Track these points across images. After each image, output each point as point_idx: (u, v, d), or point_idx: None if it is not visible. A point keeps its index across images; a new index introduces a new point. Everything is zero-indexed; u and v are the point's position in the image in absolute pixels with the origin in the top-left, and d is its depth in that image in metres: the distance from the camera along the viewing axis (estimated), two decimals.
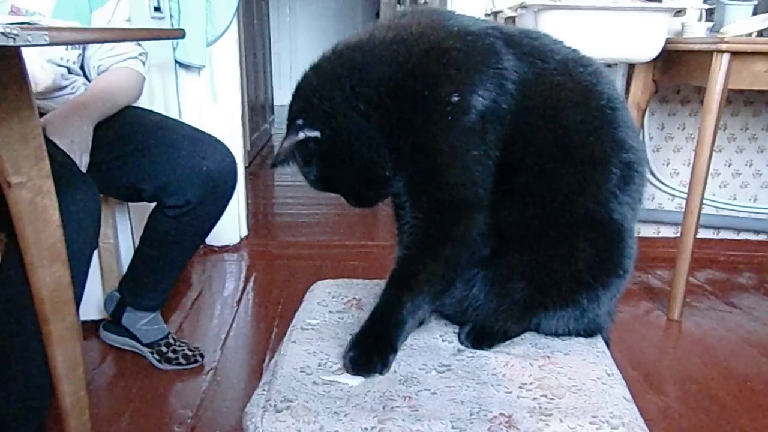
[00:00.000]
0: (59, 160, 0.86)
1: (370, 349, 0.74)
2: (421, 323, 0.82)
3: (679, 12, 1.76)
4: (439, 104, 0.71)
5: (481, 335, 0.80)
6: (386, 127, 0.73)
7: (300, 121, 0.73)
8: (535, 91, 0.74)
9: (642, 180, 0.79)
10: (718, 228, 2.34)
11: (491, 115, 0.72)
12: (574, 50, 0.80)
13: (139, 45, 1.41)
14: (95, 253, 1.50)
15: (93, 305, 1.56)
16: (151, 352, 1.45)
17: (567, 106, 0.74)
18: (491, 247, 0.77)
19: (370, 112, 0.72)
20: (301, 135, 0.72)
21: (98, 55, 1.36)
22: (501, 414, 0.66)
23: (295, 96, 0.77)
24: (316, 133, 0.73)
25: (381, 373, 0.72)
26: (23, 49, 0.76)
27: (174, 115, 2.10)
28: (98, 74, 1.37)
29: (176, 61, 2.07)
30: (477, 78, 0.71)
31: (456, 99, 0.70)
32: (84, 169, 1.17)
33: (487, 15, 2.06)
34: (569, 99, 0.75)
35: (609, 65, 2.04)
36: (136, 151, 1.28)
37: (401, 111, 0.72)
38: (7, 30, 0.57)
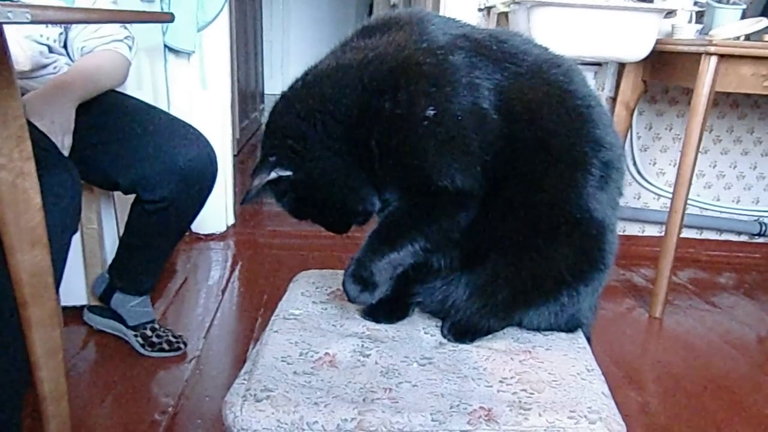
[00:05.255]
0: (38, 142, 0.84)
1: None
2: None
3: (670, 13, 1.77)
4: (415, 121, 0.70)
5: (464, 329, 0.81)
6: (364, 153, 0.73)
7: (272, 159, 0.74)
8: (511, 97, 0.73)
9: (620, 175, 0.79)
10: (701, 228, 2.37)
11: (472, 119, 0.71)
12: (545, 49, 0.80)
13: (126, 28, 1.38)
14: (78, 239, 1.49)
15: (75, 291, 1.55)
16: (135, 336, 1.44)
17: (543, 109, 0.74)
18: (473, 249, 0.78)
19: (342, 147, 0.73)
20: (273, 174, 0.73)
21: (82, 36, 1.33)
22: (481, 407, 0.66)
23: (268, 130, 0.77)
24: (288, 173, 0.73)
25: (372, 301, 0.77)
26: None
27: (162, 100, 2.07)
28: (82, 56, 1.34)
29: (165, 46, 2.04)
30: (450, 90, 0.71)
31: (432, 112, 0.70)
32: (66, 152, 1.15)
33: (480, 10, 2.06)
34: (545, 102, 0.74)
35: (599, 64, 2.05)
36: (112, 141, 1.25)
37: (379, 133, 0.72)
38: None
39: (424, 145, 0.71)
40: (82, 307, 1.55)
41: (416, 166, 0.72)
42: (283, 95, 0.77)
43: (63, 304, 1.45)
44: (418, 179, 0.73)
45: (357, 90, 0.72)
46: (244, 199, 0.76)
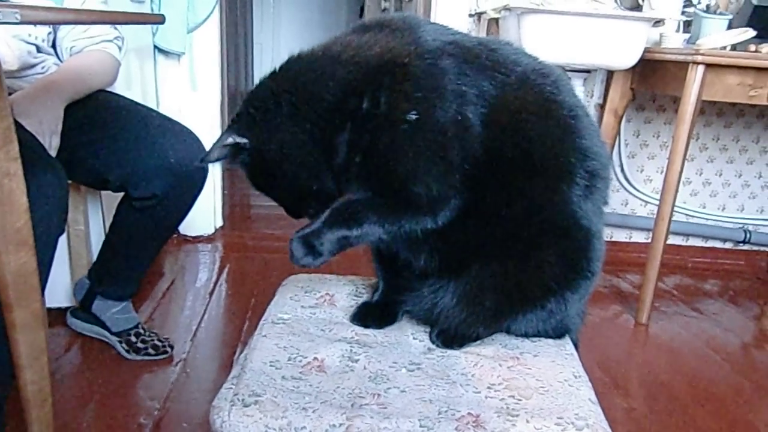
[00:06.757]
0: (25, 143, 0.83)
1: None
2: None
3: (658, 22, 1.80)
4: (395, 123, 0.70)
5: (452, 337, 0.81)
6: (333, 144, 0.73)
7: (235, 125, 0.75)
8: (498, 106, 0.73)
9: (606, 184, 0.80)
10: (687, 235, 2.39)
11: (455, 127, 0.71)
12: (535, 59, 0.80)
13: (115, 29, 1.37)
14: (64, 240, 1.47)
15: (61, 292, 1.53)
16: (120, 342, 1.42)
17: (530, 119, 0.74)
18: (459, 257, 0.78)
19: (306, 130, 0.73)
20: (230, 140, 0.74)
21: (71, 36, 1.31)
22: (469, 413, 0.66)
23: (244, 100, 0.78)
24: (244, 141, 0.74)
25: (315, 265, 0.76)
26: None
27: (152, 101, 2.06)
28: (71, 56, 1.32)
29: (155, 47, 2.03)
30: (436, 96, 0.71)
31: (414, 117, 0.70)
32: (54, 152, 1.14)
33: (471, 16, 2.07)
34: (531, 112, 0.75)
35: (588, 71, 2.07)
36: (103, 138, 1.24)
37: (353, 129, 0.72)
38: None
39: (402, 149, 0.70)
40: (67, 308, 1.53)
41: (391, 169, 0.72)
42: (270, 72, 0.78)
43: (47, 305, 1.43)
44: (391, 183, 0.73)
45: (338, 84, 0.72)
46: (202, 158, 0.77)
